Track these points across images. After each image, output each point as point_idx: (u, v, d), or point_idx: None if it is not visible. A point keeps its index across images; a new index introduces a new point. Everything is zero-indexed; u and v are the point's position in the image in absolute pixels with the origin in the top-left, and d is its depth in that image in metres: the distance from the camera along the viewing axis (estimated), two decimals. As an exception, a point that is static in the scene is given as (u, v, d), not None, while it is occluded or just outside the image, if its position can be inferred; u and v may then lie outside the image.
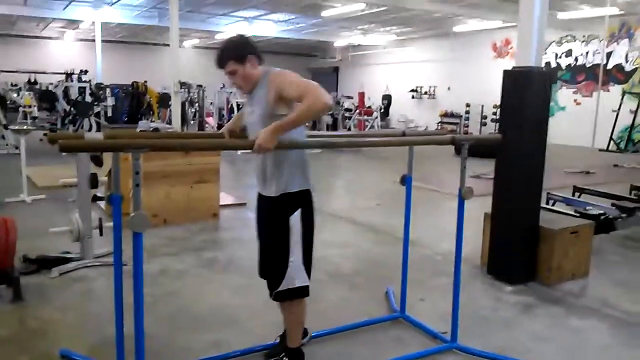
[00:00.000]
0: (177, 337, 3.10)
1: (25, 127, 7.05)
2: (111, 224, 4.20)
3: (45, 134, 12.39)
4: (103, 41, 19.44)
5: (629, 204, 5.58)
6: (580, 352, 3.08)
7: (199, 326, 3.27)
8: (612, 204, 5.61)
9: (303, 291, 2.63)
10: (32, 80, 19.93)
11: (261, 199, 2.69)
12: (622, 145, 14.86)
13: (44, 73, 20.39)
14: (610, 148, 14.72)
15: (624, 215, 5.27)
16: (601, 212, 5.20)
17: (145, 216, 2.04)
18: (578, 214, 5.06)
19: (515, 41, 4.39)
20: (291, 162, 2.52)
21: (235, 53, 2.52)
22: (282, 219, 2.54)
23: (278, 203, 2.55)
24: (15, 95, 15.34)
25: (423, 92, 21.97)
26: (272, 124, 2.31)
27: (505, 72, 4.03)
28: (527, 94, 3.87)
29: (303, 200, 2.57)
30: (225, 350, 2.90)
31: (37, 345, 2.97)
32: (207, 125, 16.59)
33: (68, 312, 3.42)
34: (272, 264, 2.62)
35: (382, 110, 21.02)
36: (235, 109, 14.21)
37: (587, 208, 5.32)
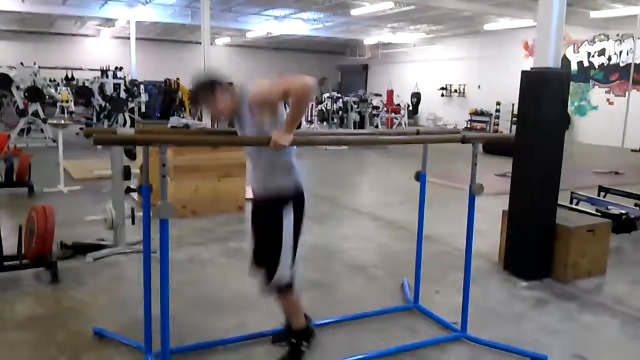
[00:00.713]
0: (202, 320, 3.30)
1: (63, 122, 7.38)
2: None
3: (81, 128, 12.87)
4: (137, 39, 19.97)
5: (652, 204, 5.57)
6: (588, 345, 3.16)
7: (223, 309, 3.47)
8: (635, 204, 5.61)
9: (289, 286, 2.78)
10: (70, 76, 20.59)
11: (255, 198, 2.86)
12: (655, 146, 14.58)
13: (81, 69, 21.02)
14: (642, 149, 14.46)
15: (646, 215, 5.27)
16: (623, 211, 5.22)
17: (171, 204, 2.23)
18: (599, 213, 5.09)
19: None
20: (282, 165, 2.67)
21: (202, 92, 2.64)
22: (275, 219, 2.66)
23: (271, 203, 2.70)
24: (53, 90, 15.92)
25: (453, 90, 21.87)
26: (284, 127, 2.48)
27: (523, 72, 4.11)
28: (543, 95, 3.94)
29: (294, 201, 2.70)
30: (247, 331, 3.08)
31: (73, 323, 3.20)
32: (236, 122, 16.87)
33: (101, 295, 3.67)
34: (264, 262, 2.76)
35: (411, 108, 21.01)
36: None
37: (609, 207, 5.34)
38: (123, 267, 4.23)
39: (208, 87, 2.63)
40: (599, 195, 6.16)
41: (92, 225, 4.81)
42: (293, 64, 26.74)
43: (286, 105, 2.65)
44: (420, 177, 3.31)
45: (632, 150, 13.68)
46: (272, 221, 2.68)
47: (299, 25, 20.00)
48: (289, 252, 2.71)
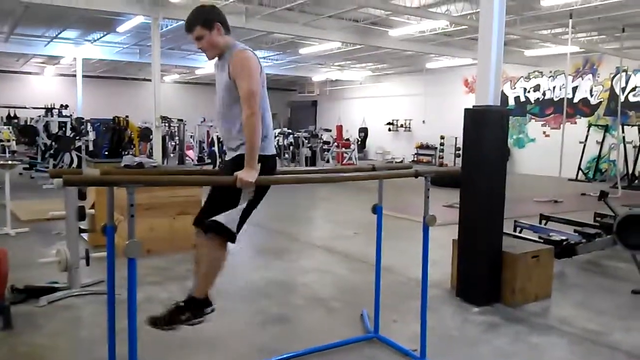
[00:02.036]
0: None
1: (9, 162, 7.18)
2: (97, 254, 4.42)
3: (25, 168, 12.48)
4: (84, 76, 19.67)
5: (590, 230, 5.94)
6: (539, 365, 3.34)
7: (183, 349, 3.45)
8: (575, 230, 5.97)
9: (230, 234, 2.74)
10: (12, 114, 19.96)
11: (223, 162, 2.97)
12: (590, 175, 15.47)
13: (24, 108, 20.44)
14: (578, 178, 15.32)
15: (584, 240, 5.61)
16: (563, 237, 5.54)
17: (139, 244, 2.27)
18: (542, 240, 5.39)
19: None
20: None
21: (202, 18, 2.75)
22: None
23: (240, 160, 2.72)
24: (-6, 129, 15.40)
25: (399, 124, 22.59)
26: (246, 165, 2.62)
27: (466, 110, 4.39)
28: (485, 131, 4.23)
29: (264, 164, 2.75)
30: (210, 369, 3.09)
31: (30, 369, 3.12)
32: (187, 158, 16.79)
33: (58, 338, 3.58)
34: (218, 203, 2.75)
35: (360, 143, 21.50)
36: (216, 141, 14.47)
37: (551, 234, 5.66)
38: (79, 310, 4.14)
39: (208, 16, 2.72)
40: (540, 223, 6.50)
41: (44, 267, 4.69)
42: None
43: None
44: (377, 209, 3.46)
45: (569, 180, 14.48)
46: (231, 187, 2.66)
47: (249, 63, 20.27)
48: (240, 210, 2.69)
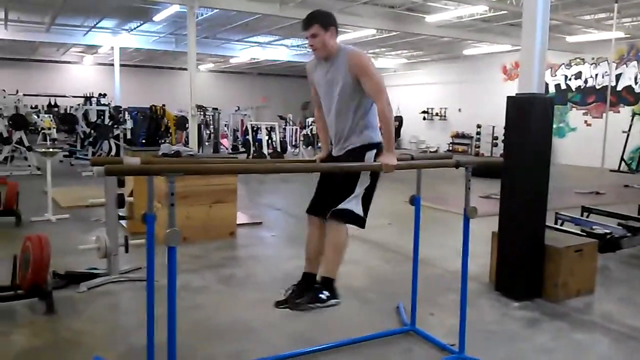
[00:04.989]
0: (198, 348, 3.30)
1: (51, 150, 7.36)
2: (135, 241, 4.48)
3: (65, 156, 12.80)
4: (121, 65, 20.02)
5: (635, 223, 5.72)
6: (582, 363, 3.23)
7: (219, 337, 3.47)
8: (619, 224, 5.76)
9: (359, 220, 2.91)
10: (53, 103, 20.50)
11: (333, 158, 3.10)
12: (633, 166, 14.94)
13: (64, 96, 20.98)
14: (621, 169, 14.81)
15: (629, 234, 5.41)
16: (607, 231, 5.35)
17: (179, 232, 2.27)
18: (584, 233, 5.22)
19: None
20: (369, 119, 3.00)
21: (322, 19, 2.92)
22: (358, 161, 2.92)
23: (359, 148, 2.97)
24: (36, 117, 15.84)
25: (434, 113, 22.25)
26: (387, 151, 2.90)
27: (509, 98, 4.25)
28: (530, 120, 4.08)
29: (379, 150, 2.97)
30: (247, 358, 3.09)
31: (72, 354, 3.19)
32: (221, 146, 16.94)
33: (97, 324, 3.65)
34: (337, 191, 2.89)
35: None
36: (250, 130, 14.54)
37: (594, 227, 5.48)
38: (118, 296, 4.21)
39: (327, 18, 2.91)
40: (582, 215, 6.30)
41: (84, 254, 4.78)
42: (276, 89, 27.02)
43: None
44: (415, 200, 3.39)
45: (611, 171, 14.01)
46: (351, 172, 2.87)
47: (283, 51, 20.27)
48: (362, 191, 2.89)
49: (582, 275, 4.35)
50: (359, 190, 2.89)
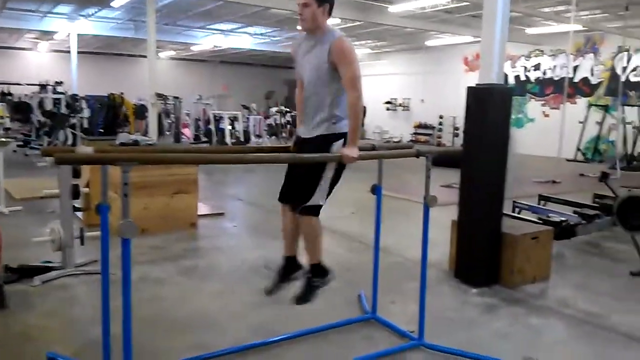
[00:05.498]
0: (158, 340, 3.24)
1: (3, 139, 7.08)
2: (91, 233, 4.36)
3: (19, 145, 12.36)
4: (78, 52, 19.39)
5: (589, 211, 5.89)
6: (538, 347, 3.32)
7: (179, 329, 3.41)
8: (574, 212, 5.93)
9: (319, 209, 3.00)
10: (6, 91, 19.71)
11: (302, 136, 3.10)
12: (588, 156, 15.41)
13: (18, 84, 20.19)
14: (577, 158, 15.25)
15: (584, 222, 5.58)
16: (563, 219, 5.50)
17: (133, 224, 2.21)
18: (541, 221, 5.34)
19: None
20: (337, 106, 2.97)
21: None
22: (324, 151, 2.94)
23: (322, 138, 2.97)
24: (-12, 106, 15.20)
25: (398, 103, 22.41)
26: (350, 143, 2.87)
27: (469, 88, 4.30)
28: (488, 110, 4.14)
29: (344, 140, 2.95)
30: (206, 351, 3.05)
31: (24, 349, 3.08)
32: (183, 136, 16.65)
33: (52, 318, 3.54)
34: (304, 183, 2.95)
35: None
36: (212, 119, 14.33)
37: (550, 215, 5.61)
38: (73, 289, 4.09)
39: None
40: (539, 203, 6.46)
41: (38, 246, 4.63)
42: (240, 78, 26.68)
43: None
44: (376, 190, 3.40)
45: (568, 160, 14.42)
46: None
47: (246, 39, 20.00)
48: (327, 183, 2.94)
49: (538, 262, 4.47)
50: (325, 181, 2.93)
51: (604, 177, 5.87)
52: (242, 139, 14.24)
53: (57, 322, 3.49)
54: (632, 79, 15.05)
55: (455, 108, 18.47)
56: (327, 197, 3.00)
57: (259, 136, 16.92)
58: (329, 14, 2.96)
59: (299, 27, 3.07)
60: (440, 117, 20.11)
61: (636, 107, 13.98)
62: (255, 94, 25.09)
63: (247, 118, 16.98)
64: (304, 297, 3.12)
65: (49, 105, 13.34)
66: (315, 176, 2.93)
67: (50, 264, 4.42)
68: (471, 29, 15.39)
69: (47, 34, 19.24)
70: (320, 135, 2.99)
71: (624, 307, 3.99)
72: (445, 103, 19.32)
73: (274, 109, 17.80)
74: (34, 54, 23.06)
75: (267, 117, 17.82)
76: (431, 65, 20.40)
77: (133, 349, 2.42)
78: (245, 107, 18.56)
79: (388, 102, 22.63)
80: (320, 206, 2.98)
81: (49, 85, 14.92)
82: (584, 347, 3.34)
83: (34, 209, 6.69)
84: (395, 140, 21.65)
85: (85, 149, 2.33)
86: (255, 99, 23.16)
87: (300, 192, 2.97)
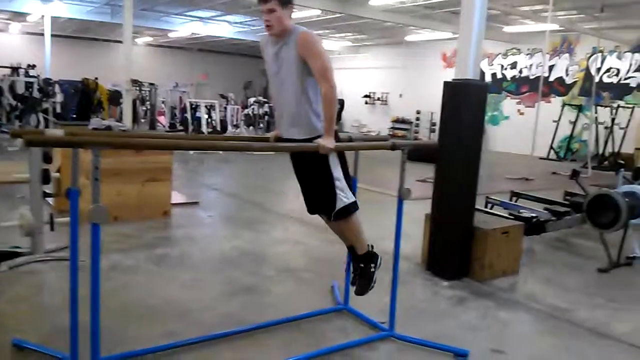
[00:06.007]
0: (128, 328, 3.21)
1: (-29, 122, 6.89)
2: (61, 219, 4.28)
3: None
4: (52, 35, 18.95)
5: (559, 208, 6.03)
6: (505, 340, 3.38)
7: (150, 318, 3.38)
8: (545, 208, 6.05)
9: (354, 205, 3.05)
10: (-25, 73, 19.17)
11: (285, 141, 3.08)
12: (561, 154, 15.71)
13: (-12, 66, 19.66)
14: (550, 156, 15.54)
15: (554, 218, 5.69)
16: (533, 215, 5.61)
17: (104, 209, 2.17)
18: (512, 217, 5.44)
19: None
20: (313, 109, 2.98)
21: None
22: (318, 156, 2.91)
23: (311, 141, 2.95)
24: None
25: (376, 97, 22.47)
26: (326, 133, 2.87)
27: (445, 83, 4.33)
28: (463, 105, 4.18)
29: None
30: (177, 339, 3.03)
31: (-11, 336, 3.02)
32: (158, 124, 16.45)
33: (19, 304, 3.47)
34: (321, 192, 3.00)
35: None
36: (189, 108, 14.18)
37: (521, 211, 5.72)
38: (42, 276, 4.02)
39: None
40: (511, 200, 6.57)
41: (6, 231, 4.52)
42: (218, 67, 26.42)
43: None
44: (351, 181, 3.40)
45: (541, 158, 14.68)
46: (317, 158, 2.89)
47: (225, 27, 19.79)
48: (342, 181, 2.96)
49: (508, 257, 4.54)
50: (337, 180, 2.96)
51: (574, 175, 5.98)
52: (218, 128, 14.13)
53: (25, 308, 3.42)
54: (606, 79, 15.36)
55: (432, 103, 18.56)
56: (350, 190, 3.03)
57: (236, 126, 16.82)
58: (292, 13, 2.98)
59: (266, 33, 3.06)
60: (418, 112, 20.25)
61: (609, 108, 14.30)
62: (233, 84, 24.90)
63: (225, 107, 16.85)
64: (365, 286, 3.16)
65: (20, 89, 13.03)
66: (326, 181, 2.95)
67: (18, 250, 4.33)
68: (451, 25, 15.51)
69: (19, 15, 18.72)
70: (298, 139, 3.00)
71: (590, 303, 4.08)
72: (424, 98, 19.45)
73: (252, 100, 17.69)
74: (5, 35, 22.44)
75: (244, 107, 17.71)
76: (410, 60, 20.51)
77: (102, 336, 2.40)
78: (223, 97, 18.42)
79: (366, 96, 22.69)
80: (352, 203, 3.02)
81: (21, 68, 14.56)
82: (550, 341, 3.42)
83: (3, 193, 6.53)
84: (373, 134, 21.73)
85: (55, 131, 2.28)
86: (234, 88, 22.99)
87: (322, 202, 3.04)
